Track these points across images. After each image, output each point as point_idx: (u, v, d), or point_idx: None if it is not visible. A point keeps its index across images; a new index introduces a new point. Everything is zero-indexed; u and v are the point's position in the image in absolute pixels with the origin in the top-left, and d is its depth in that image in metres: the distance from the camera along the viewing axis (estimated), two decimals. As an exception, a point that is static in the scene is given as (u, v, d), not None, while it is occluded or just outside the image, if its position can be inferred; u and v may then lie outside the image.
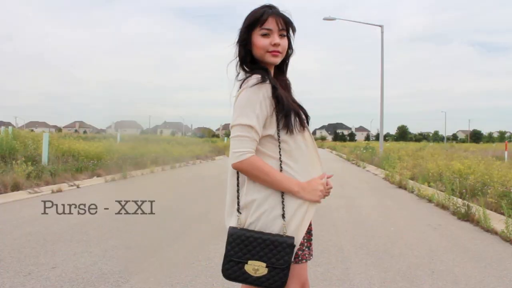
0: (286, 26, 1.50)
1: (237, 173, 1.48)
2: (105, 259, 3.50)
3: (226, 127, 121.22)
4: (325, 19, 18.69)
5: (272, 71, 1.54)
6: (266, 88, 1.42)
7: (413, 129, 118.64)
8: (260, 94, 1.40)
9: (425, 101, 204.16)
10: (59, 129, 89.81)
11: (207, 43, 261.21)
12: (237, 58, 1.54)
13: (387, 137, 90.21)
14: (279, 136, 1.44)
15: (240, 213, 1.45)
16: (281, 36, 1.49)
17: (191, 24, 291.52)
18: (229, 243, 1.43)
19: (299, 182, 1.42)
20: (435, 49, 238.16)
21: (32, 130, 30.86)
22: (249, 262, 1.40)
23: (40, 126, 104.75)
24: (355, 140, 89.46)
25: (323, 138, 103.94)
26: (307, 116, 1.58)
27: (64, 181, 8.42)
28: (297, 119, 1.46)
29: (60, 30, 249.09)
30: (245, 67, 1.52)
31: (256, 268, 1.39)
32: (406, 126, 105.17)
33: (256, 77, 1.43)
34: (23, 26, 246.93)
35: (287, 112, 1.43)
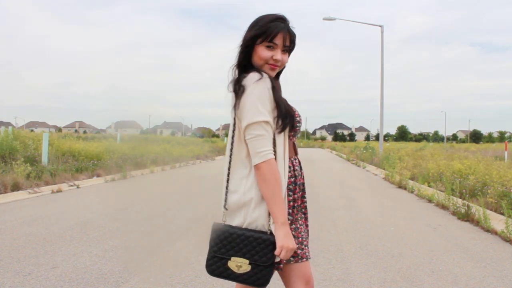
0: (291, 44, 1.51)
1: (228, 169, 1.48)
2: (105, 259, 3.50)
3: (226, 127, 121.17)
4: (325, 19, 18.70)
5: None
6: (268, 82, 1.42)
7: (413, 129, 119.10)
8: (266, 89, 1.41)
9: (425, 101, 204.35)
10: (59, 129, 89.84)
11: (207, 43, 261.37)
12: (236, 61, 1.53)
13: (387, 137, 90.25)
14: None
15: (226, 209, 1.46)
16: (283, 51, 1.50)
17: (191, 24, 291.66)
18: (212, 239, 1.45)
19: (287, 221, 1.38)
20: (435, 49, 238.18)
21: (32, 130, 30.85)
22: (232, 258, 1.40)
23: (40, 126, 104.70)
24: (355, 140, 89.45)
25: (323, 138, 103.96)
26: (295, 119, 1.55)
27: (64, 181, 8.42)
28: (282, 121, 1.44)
29: (60, 30, 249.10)
30: (240, 70, 1.52)
31: (239, 264, 1.39)
32: (406, 126, 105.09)
33: (255, 73, 1.42)
34: (23, 25, 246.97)
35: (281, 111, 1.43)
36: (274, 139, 1.43)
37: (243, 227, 1.42)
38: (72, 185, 8.24)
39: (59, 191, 7.47)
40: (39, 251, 3.71)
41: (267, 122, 1.39)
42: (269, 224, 1.40)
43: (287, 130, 1.46)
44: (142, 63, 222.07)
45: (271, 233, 1.39)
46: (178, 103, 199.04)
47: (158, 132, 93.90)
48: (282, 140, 1.45)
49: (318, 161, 19.94)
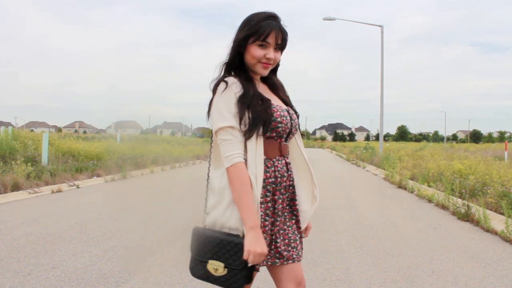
0: (283, 43, 1.50)
1: (207, 174, 1.52)
2: (105, 259, 3.50)
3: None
4: (325, 19, 18.69)
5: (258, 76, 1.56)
6: (235, 87, 1.44)
7: (413, 129, 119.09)
8: (232, 95, 1.42)
9: (425, 101, 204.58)
10: (59, 129, 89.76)
11: (207, 43, 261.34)
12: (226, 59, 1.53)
13: (387, 137, 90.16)
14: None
15: (207, 213, 1.49)
16: (275, 49, 1.50)
17: (191, 24, 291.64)
18: (192, 242, 1.48)
19: (257, 225, 1.36)
20: (435, 49, 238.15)
21: (32, 130, 30.87)
22: (210, 261, 1.42)
23: (40, 126, 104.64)
24: (355, 140, 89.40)
25: (323, 138, 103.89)
26: (295, 114, 1.60)
27: (64, 181, 8.42)
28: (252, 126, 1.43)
29: (60, 30, 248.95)
30: (231, 71, 1.52)
31: (216, 267, 1.40)
32: (406, 126, 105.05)
33: (222, 84, 1.44)
34: (23, 25, 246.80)
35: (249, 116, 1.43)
36: (246, 142, 1.42)
37: (216, 228, 1.43)
38: (72, 185, 8.24)
39: (59, 191, 7.47)
40: (39, 251, 3.71)
41: (232, 127, 1.40)
42: (243, 228, 1.38)
43: (260, 131, 1.43)
44: (142, 63, 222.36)
45: (244, 237, 1.37)
46: (178, 103, 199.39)
47: (158, 132, 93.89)
48: (254, 143, 1.42)
49: (318, 161, 19.93)
